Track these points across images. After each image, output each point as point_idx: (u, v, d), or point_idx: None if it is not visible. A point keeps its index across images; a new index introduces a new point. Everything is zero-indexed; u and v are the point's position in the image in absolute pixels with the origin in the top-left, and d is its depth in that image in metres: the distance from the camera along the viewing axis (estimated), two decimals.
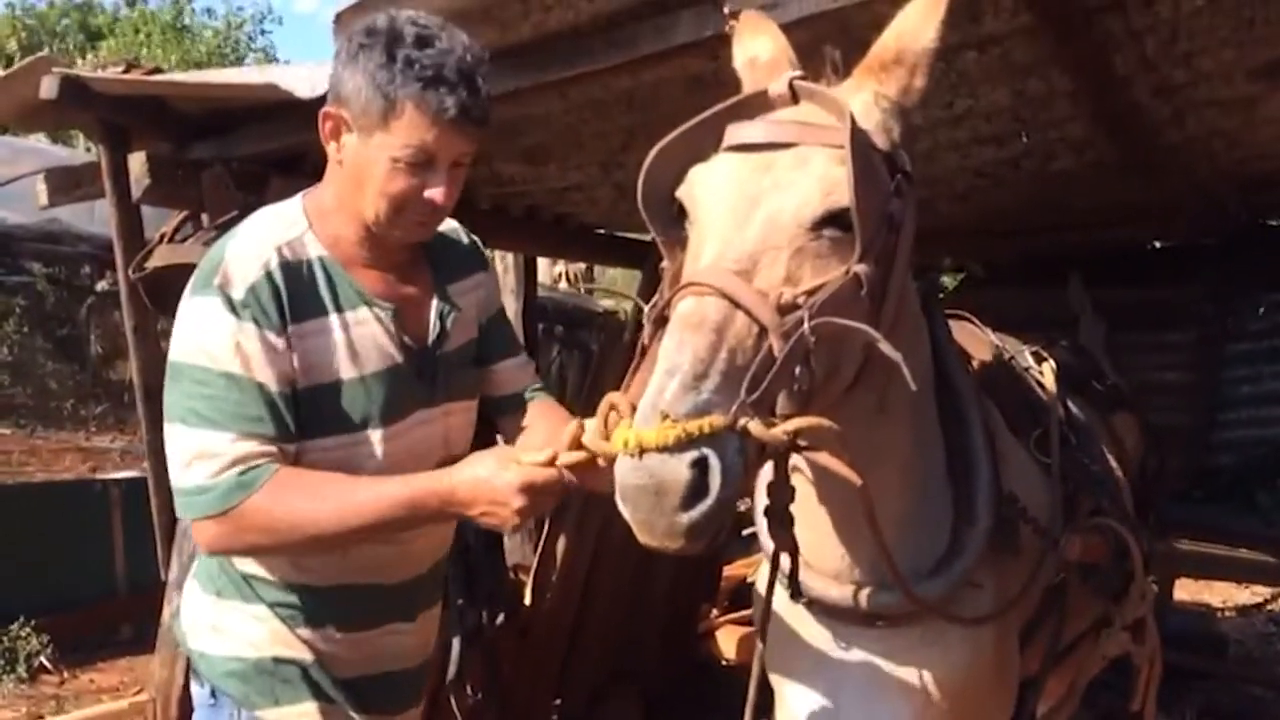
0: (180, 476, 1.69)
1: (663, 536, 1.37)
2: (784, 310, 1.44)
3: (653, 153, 1.63)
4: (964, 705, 2.06)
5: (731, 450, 1.37)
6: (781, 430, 1.42)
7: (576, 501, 4.45)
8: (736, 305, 1.43)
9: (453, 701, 2.98)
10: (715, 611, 5.92)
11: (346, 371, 1.77)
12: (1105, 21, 2.42)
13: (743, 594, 6.10)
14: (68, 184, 3.35)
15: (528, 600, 4.20)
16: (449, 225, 2.02)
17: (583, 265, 12.63)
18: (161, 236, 3.01)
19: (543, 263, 10.06)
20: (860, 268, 1.50)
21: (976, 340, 2.52)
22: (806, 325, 1.42)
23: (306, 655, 1.85)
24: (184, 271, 3.05)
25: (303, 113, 2.82)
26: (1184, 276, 4.95)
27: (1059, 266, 4.71)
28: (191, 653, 1.90)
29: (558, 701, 4.78)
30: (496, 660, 3.44)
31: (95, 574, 5.84)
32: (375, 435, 1.79)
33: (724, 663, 5.64)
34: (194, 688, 1.93)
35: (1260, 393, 4.84)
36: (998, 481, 2.04)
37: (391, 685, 1.97)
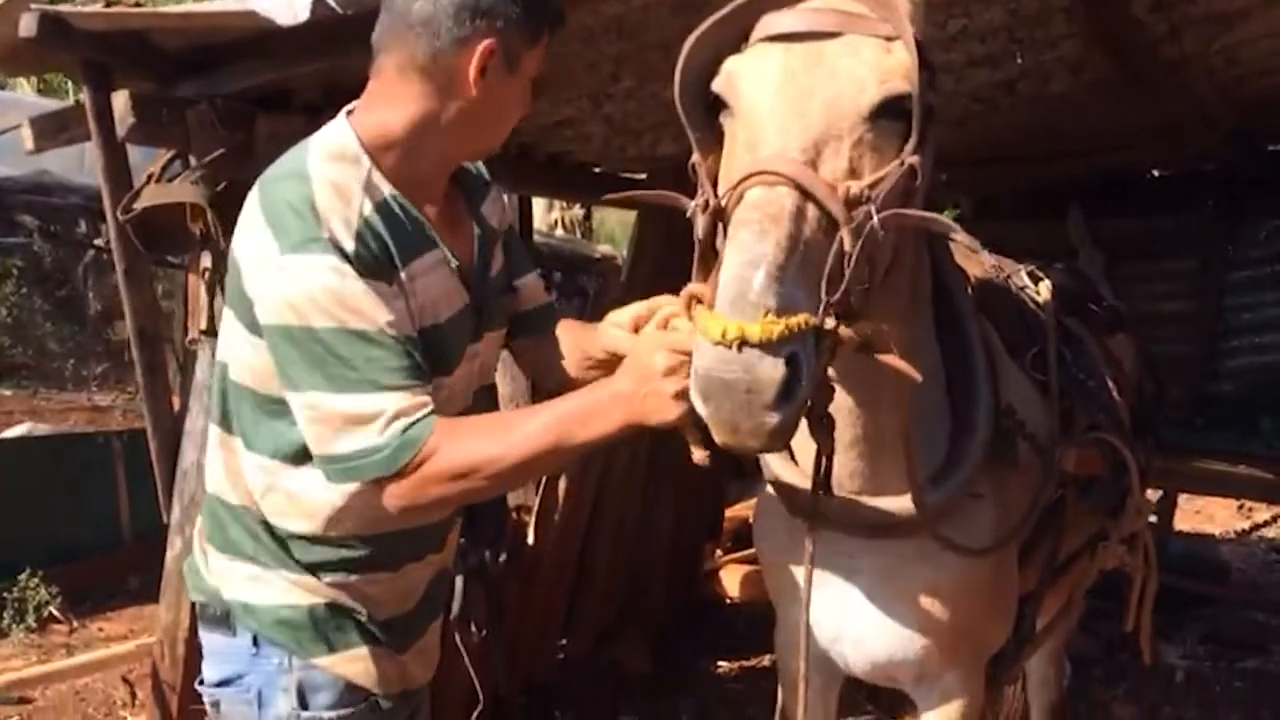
0: (333, 445, 1.57)
1: (747, 436, 1.34)
2: (851, 204, 1.44)
3: (686, 47, 1.60)
4: (964, 617, 2.08)
5: (811, 350, 1.35)
6: (857, 330, 1.43)
7: None
8: (808, 196, 1.42)
9: (457, 638, 2.99)
10: (719, 552, 5.96)
11: (437, 315, 1.70)
12: None
13: (745, 534, 6.13)
14: (53, 128, 3.32)
15: (530, 541, 4.22)
16: None
17: (580, 212, 12.57)
18: (149, 177, 2.98)
19: (539, 210, 10.02)
20: (915, 158, 1.49)
21: (974, 259, 2.51)
22: (875, 219, 1.42)
23: (353, 602, 1.77)
24: (172, 212, 3.06)
25: (286, 47, 2.79)
26: (1184, 204, 4.95)
27: (1057, 199, 4.71)
28: (231, 604, 1.77)
29: (563, 641, 4.84)
30: (501, 599, 3.46)
31: (101, 526, 5.88)
32: (448, 379, 1.74)
33: (728, 601, 5.68)
34: (221, 639, 1.80)
35: (1261, 319, 4.85)
36: (995, 394, 2.04)
37: (421, 614, 1.93)
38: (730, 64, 1.59)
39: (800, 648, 2.24)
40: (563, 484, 4.30)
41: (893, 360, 1.56)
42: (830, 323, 1.38)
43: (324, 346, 1.54)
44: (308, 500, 1.68)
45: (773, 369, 1.30)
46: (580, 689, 4.55)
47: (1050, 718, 3.54)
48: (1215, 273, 4.89)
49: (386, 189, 1.64)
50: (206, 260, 3.04)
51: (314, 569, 1.74)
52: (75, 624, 5.31)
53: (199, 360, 3.18)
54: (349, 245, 1.55)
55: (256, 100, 3.02)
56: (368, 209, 1.60)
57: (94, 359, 11.15)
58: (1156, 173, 5.26)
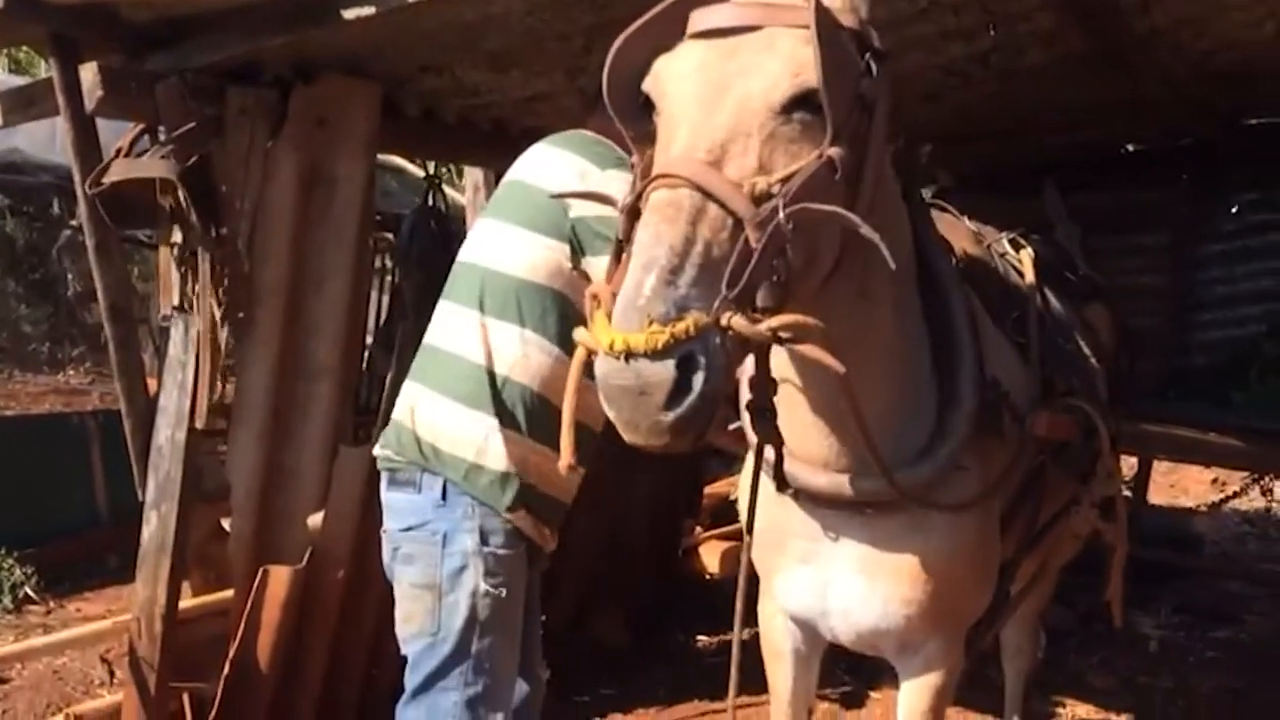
0: None
1: (648, 434, 1.38)
2: (758, 200, 1.43)
3: (615, 45, 1.61)
4: (949, 588, 2.11)
5: (714, 346, 1.36)
6: (765, 326, 1.41)
7: None
8: (709, 196, 1.41)
9: None
10: (699, 528, 5.99)
11: None
12: None
13: (725, 511, 6.16)
14: (22, 102, 3.29)
15: None
16: None
17: None
18: (118, 151, 2.96)
19: None
20: (833, 151, 1.48)
21: (956, 229, 2.54)
22: (782, 214, 1.41)
23: (533, 478, 2.28)
24: (142, 186, 3.04)
25: (255, 18, 2.78)
26: (1158, 179, 4.95)
27: (1032, 173, 4.71)
28: (441, 454, 2.27)
29: (542, 617, 4.84)
30: None
31: (77, 506, 5.87)
32: None
33: (708, 577, 5.72)
34: (401, 497, 2.33)
35: (1234, 293, 4.87)
36: (981, 365, 2.06)
37: (562, 509, 2.45)
38: (658, 63, 1.60)
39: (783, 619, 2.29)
40: None
41: (812, 352, 1.56)
42: (739, 320, 1.38)
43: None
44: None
45: (661, 372, 1.33)
46: (558, 662, 4.56)
47: (1024, 685, 3.59)
48: (1188, 247, 4.89)
49: None
50: (176, 235, 3.03)
51: (530, 434, 2.26)
52: (52, 604, 5.32)
53: (172, 337, 3.17)
54: None
55: (226, 74, 3.01)
56: None
57: (69, 341, 11.07)
58: (1131, 147, 5.28)
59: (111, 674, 4.24)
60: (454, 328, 2.35)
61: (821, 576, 2.17)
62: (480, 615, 2.25)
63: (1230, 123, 4.68)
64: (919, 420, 2.02)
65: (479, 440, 2.26)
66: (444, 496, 2.27)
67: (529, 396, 2.26)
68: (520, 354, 2.27)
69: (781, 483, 2.05)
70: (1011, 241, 2.73)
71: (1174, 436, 3.99)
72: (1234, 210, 4.92)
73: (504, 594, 2.27)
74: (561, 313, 2.26)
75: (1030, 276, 2.60)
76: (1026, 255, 2.66)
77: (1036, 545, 2.49)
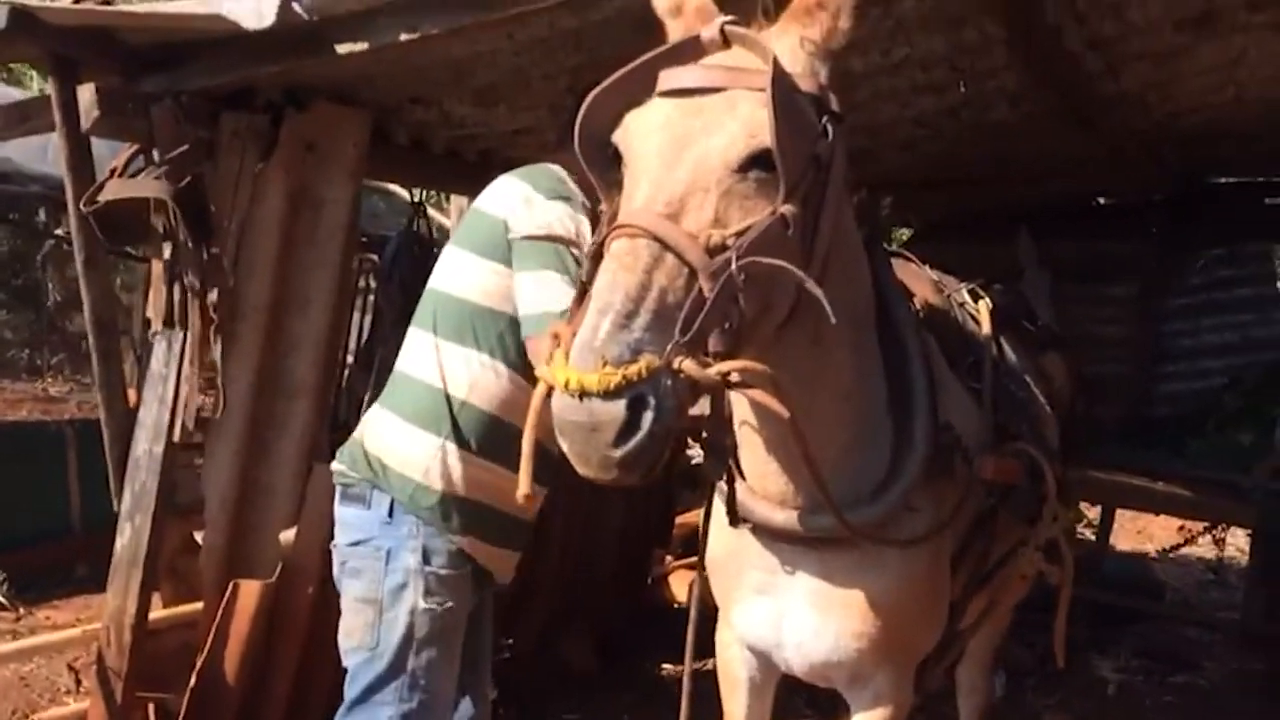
0: (539, 303, 2.22)
1: (597, 468, 1.45)
2: (713, 251, 1.50)
3: (588, 99, 1.68)
4: (899, 623, 2.17)
5: (665, 389, 1.43)
6: (715, 370, 1.48)
7: None
8: (666, 247, 1.49)
9: None
10: (669, 557, 6.05)
11: None
12: None
13: (695, 541, 6.21)
14: (16, 118, 3.36)
15: None
16: None
17: None
18: (113, 171, 3.03)
19: None
20: (786, 208, 1.55)
21: (917, 278, 2.61)
22: (734, 265, 1.48)
23: (483, 497, 2.34)
24: (132, 204, 3.11)
25: (250, 46, 2.86)
26: (1128, 231, 5.09)
27: (1005, 221, 4.82)
28: (395, 470, 2.33)
29: (509, 641, 4.90)
30: None
31: (50, 514, 5.87)
32: None
33: (676, 606, 5.77)
34: (351, 511, 2.39)
35: (1198, 345, 5.00)
36: (935, 410, 2.13)
37: (522, 529, 2.49)
38: (627, 117, 1.67)
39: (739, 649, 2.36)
40: None
41: (760, 396, 1.64)
42: (690, 364, 1.45)
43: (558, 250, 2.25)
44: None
45: (612, 411, 1.40)
46: (526, 684, 4.61)
47: None
48: (1155, 299, 5.03)
49: None
50: (166, 252, 3.10)
51: (481, 452, 2.33)
52: (21, 611, 5.30)
53: (155, 351, 3.23)
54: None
55: (220, 98, 3.09)
56: None
57: (49, 349, 11.07)
58: (1102, 200, 5.41)
59: (78, 682, 4.28)
60: (413, 351, 2.44)
61: (777, 608, 2.24)
62: (418, 632, 2.30)
63: (1198, 180, 4.83)
64: (874, 460, 2.09)
65: (427, 461, 2.32)
66: (390, 514, 2.33)
67: (484, 419, 2.33)
68: (475, 377, 2.34)
69: (734, 517, 2.13)
70: (971, 292, 2.82)
71: (1129, 486, 4.08)
72: (1200, 265, 5.06)
73: (444, 613, 2.32)
74: (518, 337, 2.32)
75: (986, 326, 2.69)
76: (984, 305, 2.75)
77: (985, 584, 2.57)
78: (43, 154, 5.24)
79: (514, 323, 2.33)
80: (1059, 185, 4.78)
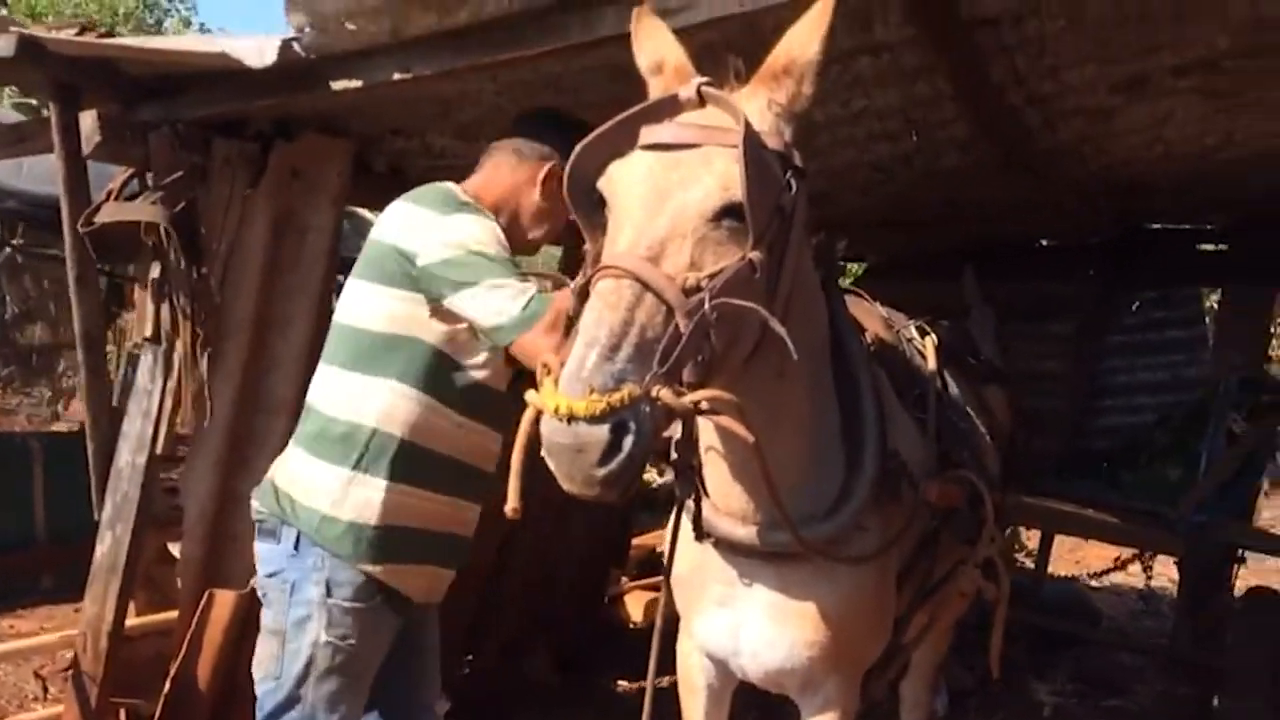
0: (504, 311, 2.21)
1: (582, 485, 1.61)
2: (689, 292, 1.68)
3: (577, 149, 1.86)
4: (848, 633, 2.36)
5: (644, 415, 1.60)
6: (689, 400, 1.67)
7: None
8: (647, 287, 1.66)
9: None
10: (625, 578, 6.19)
11: None
12: (980, 35, 2.71)
13: (651, 562, 6.40)
14: (13, 139, 3.49)
15: None
16: None
17: None
18: (109, 194, 3.17)
19: None
20: (754, 254, 1.74)
21: (869, 315, 2.82)
22: (707, 305, 1.66)
23: (400, 521, 2.36)
24: (124, 226, 3.24)
25: (245, 80, 2.99)
26: (1068, 273, 5.30)
27: (953, 260, 5.04)
28: (301, 503, 2.35)
29: (469, 657, 5.02)
30: None
31: (16, 525, 5.88)
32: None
33: (631, 625, 5.92)
34: (265, 546, 2.42)
35: (1132, 383, 5.23)
36: (884, 438, 2.33)
37: (452, 544, 2.51)
38: (612, 167, 1.85)
39: (699, 657, 2.52)
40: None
41: (727, 422, 1.82)
42: (666, 393, 1.63)
43: (484, 258, 2.25)
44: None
45: (597, 434, 1.56)
46: (488, 694, 4.73)
47: None
48: (1093, 337, 5.25)
49: None
50: (155, 272, 3.23)
51: (401, 479, 2.34)
52: None
53: (141, 366, 3.35)
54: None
55: (213, 126, 3.23)
56: None
57: (1, 360, 10.96)
58: (1045, 242, 5.66)
59: (45, 689, 4.32)
60: (320, 385, 2.46)
61: (735, 619, 2.41)
62: (319, 664, 2.31)
63: (1134, 226, 5.08)
64: (827, 483, 2.28)
65: (335, 492, 2.32)
66: (297, 547, 2.34)
67: (398, 445, 2.32)
68: (385, 405, 2.33)
69: (700, 532, 2.31)
70: (918, 328, 3.04)
71: (1064, 513, 4.29)
72: (1135, 307, 5.30)
73: (347, 647, 2.32)
74: (428, 361, 2.34)
75: (932, 361, 2.91)
76: (930, 341, 2.97)
77: (928, 600, 2.77)
78: (18, 171, 5.31)
79: (424, 347, 2.34)
80: (1004, 228, 5.01)
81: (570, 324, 1.84)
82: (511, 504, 1.85)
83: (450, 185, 2.46)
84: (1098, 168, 3.81)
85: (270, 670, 2.36)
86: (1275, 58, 2.84)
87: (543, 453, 1.64)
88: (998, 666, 2.97)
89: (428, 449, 2.35)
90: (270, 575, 2.39)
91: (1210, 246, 5.33)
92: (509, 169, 2.54)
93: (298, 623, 2.32)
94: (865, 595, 2.38)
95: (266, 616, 2.40)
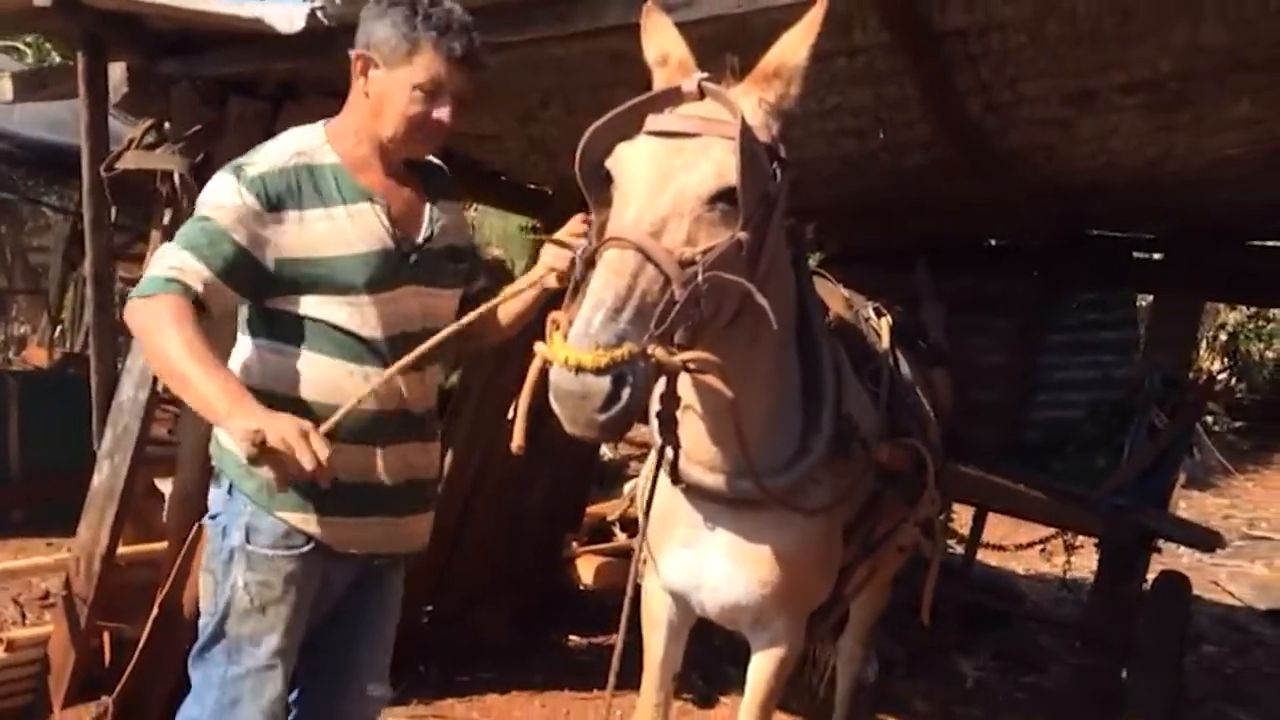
0: (147, 275, 2.19)
1: (584, 428, 1.86)
2: (684, 265, 1.92)
3: (589, 132, 2.09)
4: (798, 575, 2.63)
5: (640, 370, 1.85)
6: (680, 359, 1.93)
7: (465, 422, 4.91)
8: (648, 258, 1.91)
9: None
10: (576, 544, 6.45)
11: (343, 249, 2.29)
12: (949, 45, 2.98)
13: (601, 530, 6.68)
14: (35, 84, 3.64)
15: None
16: (435, 160, 2.54)
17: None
18: (130, 141, 3.34)
19: None
20: (742, 235, 1.99)
21: (832, 295, 3.10)
22: (700, 278, 1.92)
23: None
24: (142, 174, 3.42)
25: (266, 42, 3.19)
26: (1013, 271, 5.57)
27: (906, 253, 5.31)
28: (224, 451, 2.39)
29: (429, 609, 5.26)
30: None
31: None
32: (365, 299, 2.32)
33: (581, 587, 6.18)
34: (212, 489, 2.46)
35: (1067, 379, 5.49)
36: (839, 403, 2.60)
37: (382, 495, 2.45)
38: (620, 148, 2.09)
39: (662, 594, 2.78)
40: (449, 457, 4.73)
41: (711, 380, 2.08)
42: (660, 351, 1.87)
43: (192, 221, 2.23)
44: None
45: (601, 385, 1.80)
46: (443, 646, 4.97)
47: (853, 690, 4.15)
48: (1033, 334, 5.48)
49: (329, 159, 2.32)
50: (167, 219, 3.42)
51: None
52: None
53: None
54: (248, 175, 2.22)
55: (230, 84, 3.41)
56: (290, 165, 2.27)
57: None
58: (994, 241, 5.96)
59: (24, 615, 4.50)
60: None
61: (698, 558, 2.67)
62: (238, 605, 2.34)
63: (1077, 230, 5.39)
64: (787, 440, 2.55)
65: None
66: (230, 492, 2.39)
67: (277, 396, 2.28)
68: (249, 361, 2.37)
69: (675, 478, 2.58)
70: (875, 309, 3.32)
71: (996, 485, 4.56)
72: (1074, 307, 5.59)
73: (268, 591, 2.34)
74: (260, 312, 2.34)
75: (886, 340, 3.20)
76: (885, 322, 3.26)
77: (870, 555, 3.06)
78: (9, 115, 5.41)
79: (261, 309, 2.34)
80: (957, 225, 5.26)
81: (575, 289, 2.07)
82: (517, 442, 2.09)
83: (271, 141, 2.41)
84: (1048, 173, 4.09)
85: (205, 605, 2.44)
86: (1210, 81, 3.15)
87: (550, 398, 1.87)
88: (929, 613, 3.27)
89: (309, 399, 2.33)
90: (212, 517, 2.45)
91: (1146, 255, 5.66)
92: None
93: (224, 564, 2.37)
94: (815, 543, 2.65)
95: (205, 555, 2.48)
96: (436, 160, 2.55)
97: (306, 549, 2.37)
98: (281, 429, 1.95)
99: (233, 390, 2.05)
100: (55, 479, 5.35)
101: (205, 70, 3.30)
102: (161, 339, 2.08)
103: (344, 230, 2.29)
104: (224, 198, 2.21)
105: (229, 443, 2.33)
